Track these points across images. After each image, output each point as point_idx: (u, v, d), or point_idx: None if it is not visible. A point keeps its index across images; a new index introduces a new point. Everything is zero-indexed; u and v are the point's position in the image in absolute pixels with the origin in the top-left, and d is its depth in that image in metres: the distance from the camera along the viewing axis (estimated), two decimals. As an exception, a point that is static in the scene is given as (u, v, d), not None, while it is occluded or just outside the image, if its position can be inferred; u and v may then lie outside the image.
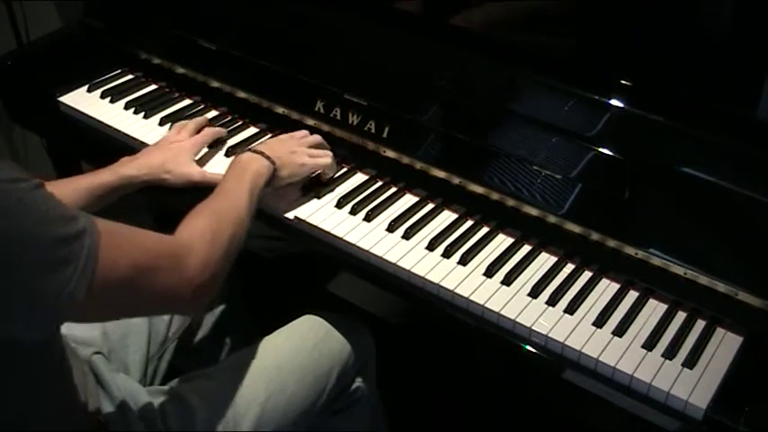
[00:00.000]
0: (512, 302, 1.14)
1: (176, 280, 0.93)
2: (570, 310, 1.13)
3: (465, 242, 1.24)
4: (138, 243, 0.90)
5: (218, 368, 1.21)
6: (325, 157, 1.32)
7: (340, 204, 1.31)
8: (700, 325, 1.12)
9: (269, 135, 1.48)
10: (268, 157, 1.22)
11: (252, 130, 1.50)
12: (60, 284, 0.78)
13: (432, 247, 1.23)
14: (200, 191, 1.38)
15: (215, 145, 1.45)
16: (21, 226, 0.75)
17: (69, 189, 1.20)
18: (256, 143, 1.33)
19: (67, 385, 1.00)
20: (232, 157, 1.40)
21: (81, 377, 1.06)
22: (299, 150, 1.29)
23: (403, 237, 1.25)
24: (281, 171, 1.23)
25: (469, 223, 1.29)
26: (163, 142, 1.39)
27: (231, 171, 1.18)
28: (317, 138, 1.36)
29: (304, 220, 1.28)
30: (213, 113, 1.55)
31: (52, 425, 0.96)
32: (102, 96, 1.60)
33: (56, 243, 0.78)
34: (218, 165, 1.40)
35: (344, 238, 1.25)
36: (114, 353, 1.23)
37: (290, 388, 1.20)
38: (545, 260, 1.23)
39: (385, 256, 1.21)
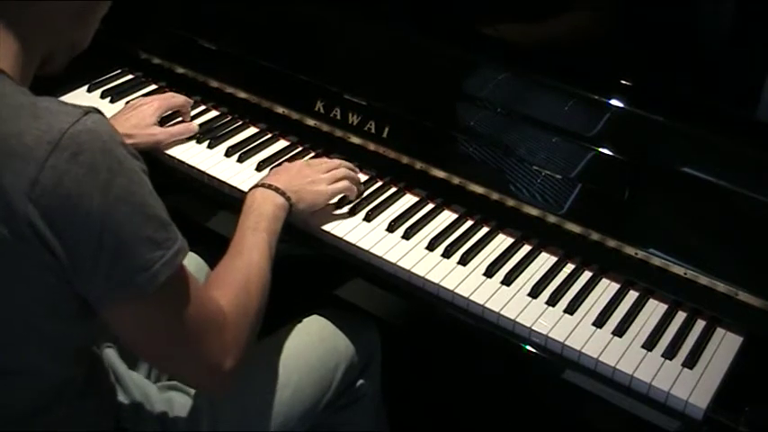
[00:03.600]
0: (512, 302, 1.14)
1: (218, 346, 0.93)
2: (570, 310, 1.13)
3: (465, 242, 1.24)
4: (200, 288, 0.93)
5: None
6: (344, 181, 1.28)
7: (340, 204, 1.31)
8: (700, 325, 1.12)
9: (269, 135, 1.48)
10: (283, 193, 1.18)
11: (252, 130, 1.50)
12: (150, 260, 0.83)
13: (432, 247, 1.23)
14: (192, 191, 1.40)
15: (214, 145, 1.45)
16: (135, 193, 0.82)
17: None
18: (268, 175, 1.27)
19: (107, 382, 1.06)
20: (233, 157, 1.41)
21: (106, 369, 1.09)
22: (317, 178, 1.25)
23: (403, 237, 1.25)
24: (297, 205, 1.19)
25: (469, 223, 1.29)
26: (126, 109, 1.44)
27: (248, 219, 1.12)
28: (335, 162, 1.33)
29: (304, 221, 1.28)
30: (213, 113, 1.55)
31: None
32: (103, 96, 1.60)
33: (158, 222, 0.84)
34: (219, 165, 1.40)
35: (344, 238, 1.25)
36: (120, 350, 1.23)
37: (296, 383, 1.20)
38: (545, 260, 1.23)
39: (385, 256, 1.21)
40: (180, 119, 1.50)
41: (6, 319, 0.86)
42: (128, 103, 1.53)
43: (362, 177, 1.38)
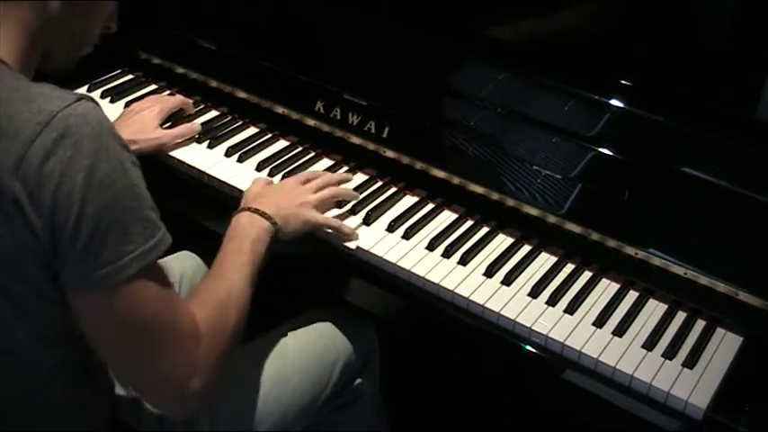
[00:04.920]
0: (512, 302, 1.14)
1: (186, 361, 0.90)
2: (570, 310, 1.13)
3: (465, 242, 1.24)
4: (176, 297, 0.93)
5: None
6: (331, 217, 1.24)
7: (340, 204, 1.31)
8: (700, 325, 1.12)
9: (269, 135, 1.48)
10: (269, 218, 1.13)
11: (252, 130, 1.50)
12: (119, 252, 0.83)
13: (432, 247, 1.23)
14: (192, 191, 1.40)
15: (213, 145, 1.45)
16: (116, 181, 0.82)
17: None
18: (257, 192, 1.22)
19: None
20: (233, 157, 1.41)
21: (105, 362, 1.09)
22: (306, 201, 1.20)
23: (403, 237, 1.25)
24: (284, 229, 1.15)
25: (469, 223, 1.29)
26: (127, 114, 1.44)
27: (231, 242, 1.09)
28: (326, 178, 1.27)
29: (304, 220, 1.28)
30: (213, 113, 1.55)
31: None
32: (103, 96, 1.60)
33: (136, 216, 0.84)
34: (219, 165, 1.40)
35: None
36: None
37: (294, 379, 1.21)
38: (545, 260, 1.23)
39: (385, 256, 1.21)
40: (181, 118, 1.50)
41: None
42: (128, 103, 1.53)
43: (362, 177, 1.38)
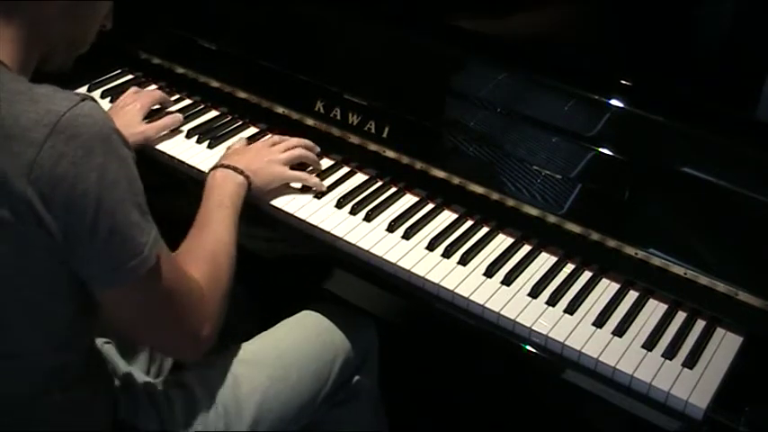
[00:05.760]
0: (512, 302, 1.14)
1: (198, 317, 0.99)
2: (570, 310, 1.13)
3: (465, 242, 1.24)
4: (178, 265, 0.98)
5: (220, 357, 1.21)
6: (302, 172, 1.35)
7: (340, 204, 1.31)
8: (700, 325, 1.12)
9: (268, 135, 1.48)
10: (241, 172, 1.24)
11: (252, 130, 1.50)
12: (141, 244, 0.87)
13: (432, 247, 1.23)
14: (192, 191, 1.39)
15: (214, 145, 1.45)
16: (126, 177, 0.85)
17: None
18: (230, 152, 1.35)
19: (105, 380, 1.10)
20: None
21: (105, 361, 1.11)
22: (274, 158, 1.31)
23: (403, 237, 1.25)
24: (255, 182, 1.26)
25: (469, 223, 1.29)
26: (113, 110, 1.47)
27: (211, 197, 1.19)
28: (292, 141, 1.37)
29: (304, 220, 1.28)
30: (213, 113, 1.55)
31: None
32: (103, 96, 1.60)
33: (143, 209, 0.88)
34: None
35: (344, 238, 1.25)
36: (119, 346, 1.23)
37: (293, 377, 1.21)
38: (545, 260, 1.23)
39: (385, 256, 1.21)
40: (161, 112, 1.52)
41: (3, 303, 0.87)
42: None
43: (362, 177, 1.38)
